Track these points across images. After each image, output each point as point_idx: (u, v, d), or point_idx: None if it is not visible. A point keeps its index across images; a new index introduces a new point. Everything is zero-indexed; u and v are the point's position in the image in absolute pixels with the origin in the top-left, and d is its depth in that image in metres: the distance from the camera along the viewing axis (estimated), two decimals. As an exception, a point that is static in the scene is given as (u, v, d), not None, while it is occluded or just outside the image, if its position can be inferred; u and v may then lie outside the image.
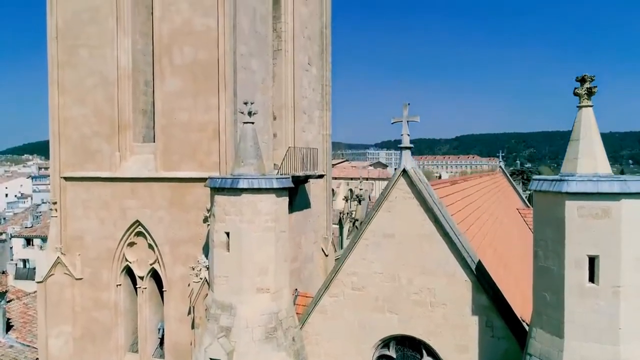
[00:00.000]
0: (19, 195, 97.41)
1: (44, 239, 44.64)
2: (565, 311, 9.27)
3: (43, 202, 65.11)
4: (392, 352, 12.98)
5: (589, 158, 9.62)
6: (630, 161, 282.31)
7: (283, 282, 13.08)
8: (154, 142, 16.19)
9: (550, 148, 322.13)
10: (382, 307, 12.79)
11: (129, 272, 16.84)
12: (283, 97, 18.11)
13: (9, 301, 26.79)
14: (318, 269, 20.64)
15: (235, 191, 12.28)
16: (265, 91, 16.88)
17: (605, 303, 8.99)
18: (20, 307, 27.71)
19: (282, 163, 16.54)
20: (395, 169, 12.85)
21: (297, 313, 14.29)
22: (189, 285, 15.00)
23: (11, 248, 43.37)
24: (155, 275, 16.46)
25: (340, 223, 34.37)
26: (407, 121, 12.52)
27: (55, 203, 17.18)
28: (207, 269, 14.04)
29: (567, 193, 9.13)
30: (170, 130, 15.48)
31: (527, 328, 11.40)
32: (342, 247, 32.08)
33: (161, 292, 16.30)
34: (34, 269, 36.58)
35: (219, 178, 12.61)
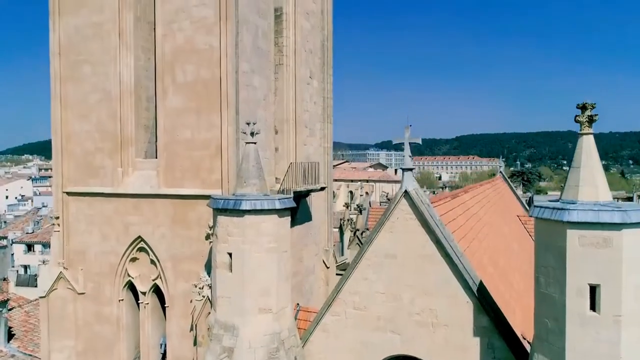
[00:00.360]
0: (20, 197, 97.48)
1: (45, 245, 44.74)
2: (567, 339, 9.32)
3: (44, 206, 65.20)
4: (393, 372, 13.03)
5: (590, 186, 9.67)
6: (630, 161, 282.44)
7: (285, 301, 13.14)
8: (157, 157, 16.28)
9: (550, 148, 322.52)
10: (384, 327, 12.84)
11: (131, 287, 16.92)
12: (285, 112, 18.18)
13: (10, 309, 26.81)
14: (319, 281, 20.71)
15: (238, 212, 12.33)
16: (267, 107, 16.94)
17: (607, 332, 9.05)
18: (22, 316, 27.75)
19: (284, 178, 16.62)
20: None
21: (298, 328, 14.38)
22: (191, 301, 15.07)
23: (12, 255, 43.44)
24: (157, 291, 16.54)
25: (341, 229, 34.49)
26: (409, 142, 12.58)
27: (57, 218, 17.26)
28: (210, 287, 14.10)
29: (568, 222, 9.18)
30: (173, 147, 15.55)
31: (528, 349, 11.47)
32: (342, 254, 32.19)
33: (163, 308, 16.37)
34: (35, 275, 36.65)
35: (221, 199, 12.66)
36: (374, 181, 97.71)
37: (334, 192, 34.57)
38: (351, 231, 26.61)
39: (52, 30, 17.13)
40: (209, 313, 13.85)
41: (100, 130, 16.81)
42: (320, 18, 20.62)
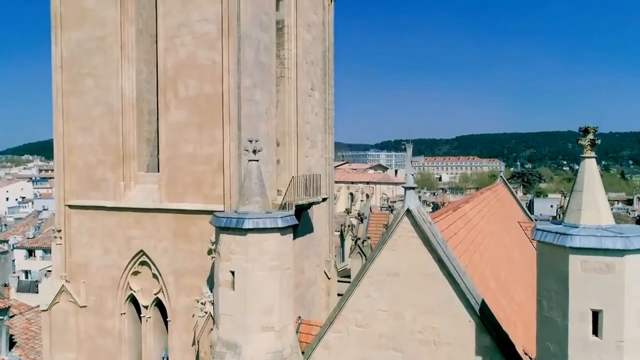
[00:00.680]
0: (20, 200, 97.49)
1: (46, 251, 44.76)
2: (569, 364, 9.35)
3: (44, 209, 65.26)
4: (396, 390, 13.05)
5: (592, 210, 9.71)
6: (631, 161, 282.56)
7: (287, 318, 13.18)
8: (158, 171, 16.30)
9: (550, 148, 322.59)
10: (387, 344, 12.87)
11: (133, 300, 16.94)
12: (286, 124, 18.19)
13: (11, 316, 26.84)
14: (321, 292, 20.75)
15: (241, 231, 12.36)
16: (268, 120, 16.96)
17: (609, 357, 9.08)
18: (23, 323, 27.76)
19: (285, 192, 16.65)
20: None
21: (300, 342, 14.41)
22: (193, 316, 15.09)
23: (13, 261, 43.49)
24: (159, 305, 16.56)
25: (342, 235, 34.50)
26: (411, 161, 12.62)
27: (59, 231, 17.28)
28: (212, 303, 14.13)
29: (571, 248, 9.22)
30: (175, 162, 15.57)
31: (530, 368, 11.51)
32: (343, 260, 32.23)
33: (165, 322, 16.40)
34: (36, 281, 36.70)
35: (224, 217, 12.68)
36: (375, 183, 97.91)
37: (334, 194, 34.54)
38: (352, 240, 26.67)
39: (54, 44, 17.15)
40: (212, 329, 13.88)
41: (103, 143, 16.83)
42: (321, 30, 20.65)
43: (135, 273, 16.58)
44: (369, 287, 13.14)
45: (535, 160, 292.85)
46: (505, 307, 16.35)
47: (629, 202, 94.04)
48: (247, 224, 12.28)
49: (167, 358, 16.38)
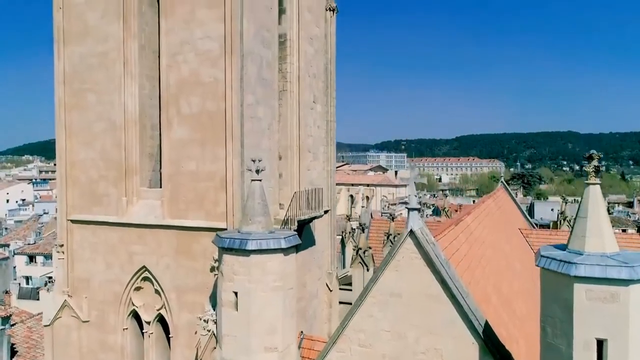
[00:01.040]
0: (21, 202, 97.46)
1: (47, 257, 44.77)
2: (573, 392, 9.35)
3: (45, 213, 65.29)
4: (399, 409, 13.05)
5: (597, 237, 9.71)
6: (631, 162, 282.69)
7: (290, 338, 13.19)
8: (161, 186, 16.29)
9: (550, 148, 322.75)
10: (389, 365, 12.86)
11: (135, 315, 16.94)
12: (289, 138, 18.20)
13: (13, 324, 26.83)
14: (322, 305, 20.76)
15: (244, 252, 12.35)
16: (271, 135, 16.96)
17: (613, 386, 9.08)
18: (25, 331, 27.75)
19: (288, 207, 16.65)
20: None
21: (303, 357, 14.40)
22: (195, 332, 15.10)
23: (14, 267, 43.49)
24: (162, 320, 16.56)
25: (343, 242, 34.49)
26: (415, 182, 12.61)
27: (62, 245, 17.28)
28: (215, 322, 14.13)
29: (575, 277, 9.21)
30: (177, 178, 15.57)
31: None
32: (344, 267, 32.21)
33: (168, 337, 16.41)
34: (37, 288, 36.73)
35: (227, 238, 12.67)
36: (375, 185, 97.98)
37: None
38: (353, 249, 26.69)
39: (56, 58, 17.15)
40: (214, 348, 13.87)
41: (105, 158, 16.83)
42: (323, 42, 20.65)
43: (138, 289, 16.58)
44: (372, 307, 13.13)
45: (535, 160, 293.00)
46: (507, 322, 16.35)
47: (629, 204, 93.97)
48: (250, 245, 12.27)
49: (170, 374, 16.37)
